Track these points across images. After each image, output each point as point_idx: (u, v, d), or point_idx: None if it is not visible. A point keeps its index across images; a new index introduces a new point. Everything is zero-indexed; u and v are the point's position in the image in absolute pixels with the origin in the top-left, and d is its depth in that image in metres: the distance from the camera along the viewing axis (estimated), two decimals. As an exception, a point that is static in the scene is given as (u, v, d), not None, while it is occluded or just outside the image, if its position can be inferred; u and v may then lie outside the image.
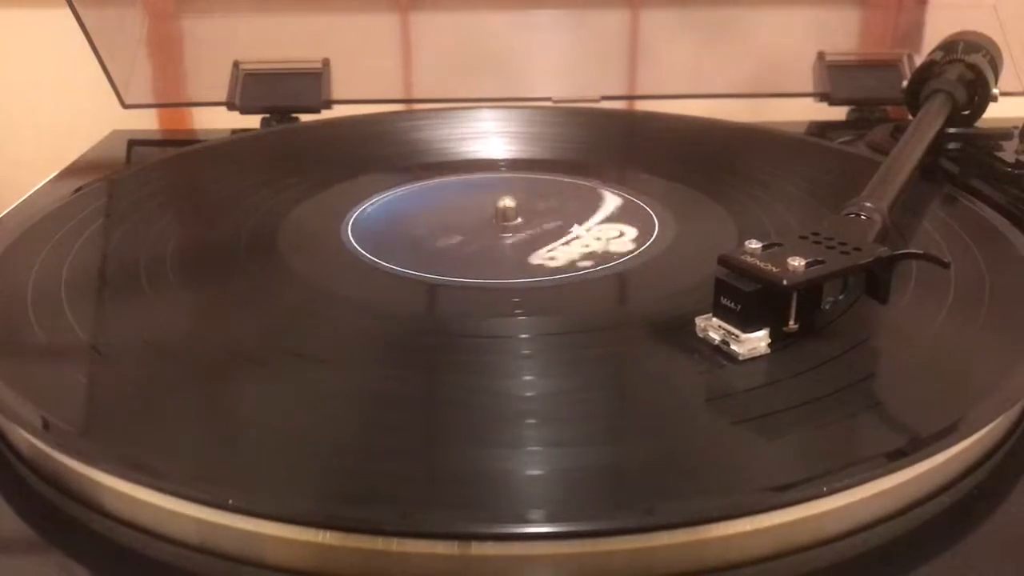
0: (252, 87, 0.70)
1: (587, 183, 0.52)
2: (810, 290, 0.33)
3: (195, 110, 0.80)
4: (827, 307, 0.35)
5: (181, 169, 0.57)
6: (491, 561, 0.25)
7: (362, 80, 0.72)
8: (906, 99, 0.60)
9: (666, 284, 0.40)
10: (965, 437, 0.28)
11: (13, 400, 0.30)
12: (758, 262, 0.33)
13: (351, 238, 0.44)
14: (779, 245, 0.34)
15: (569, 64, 0.74)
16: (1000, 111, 0.59)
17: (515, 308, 0.38)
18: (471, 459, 0.28)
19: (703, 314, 0.34)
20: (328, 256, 0.43)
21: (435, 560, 0.25)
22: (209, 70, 0.72)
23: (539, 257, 0.42)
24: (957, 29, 0.61)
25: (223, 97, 0.69)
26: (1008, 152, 0.55)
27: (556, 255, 0.42)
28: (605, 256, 0.42)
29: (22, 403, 0.30)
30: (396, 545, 0.25)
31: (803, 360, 0.32)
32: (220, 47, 0.71)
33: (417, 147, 0.59)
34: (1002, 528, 0.28)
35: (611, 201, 0.49)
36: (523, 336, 0.35)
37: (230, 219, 0.47)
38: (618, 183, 0.52)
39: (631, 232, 0.42)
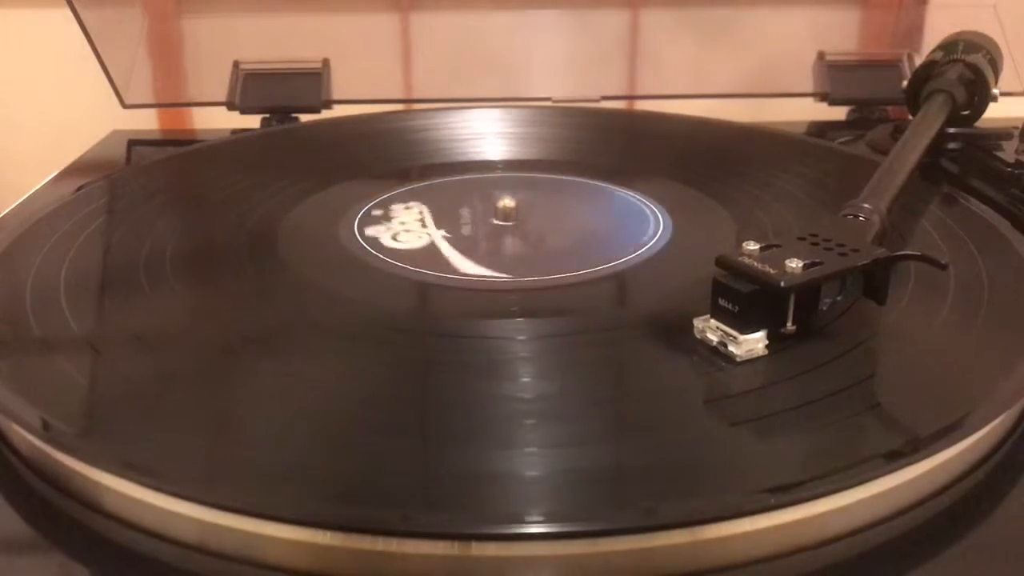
0: (252, 87, 0.70)
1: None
2: (808, 291, 0.33)
3: (195, 110, 0.79)
4: (825, 308, 0.35)
5: (181, 169, 0.57)
6: (491, 561, 0.25)
7: (362, 80, 0.72)
8: (906, 99, 0.60)
9: (665, 284, 0.40)
10: (965, 437, 0.28)
11: (13, 400, 0.30)
12: (755, 263, 0.33)
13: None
14: (777, 246, 0.34)
15: (569, 64, 0.74)
16: (1000, 111, 0.59)
17: (515, 308, 0.38)
18: (471, 459, 0.28)
19: (702, 315, 0.34)
20: (328, 256, 0.43)
21: (435, 560, 0.25)
22: (209, 70, 0.72)
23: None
24: (957, 29, 0.61)
25: (223, 97, 0.69)
26: (1008, 152, 0.55)
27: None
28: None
29: (22, 403, 0.30)
30: (396, 545, 0.25)
31: (801, 361, 0.32)
32: (220, 47, 0.71)
33: (417, 147, 0.59)
34: (1002, 528, 0.28)
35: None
36: (522, 336, 0.35)
37: (230, 219, 0.47)
38: (618, 183, 0.52)
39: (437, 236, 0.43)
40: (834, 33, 0.74)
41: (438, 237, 0.44)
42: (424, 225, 0.45)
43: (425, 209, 0.47)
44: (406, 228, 0.45)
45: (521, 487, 0.27)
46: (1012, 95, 0.64)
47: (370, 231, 0.45)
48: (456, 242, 0.44)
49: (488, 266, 0.41)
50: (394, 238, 0.44)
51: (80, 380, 0.32)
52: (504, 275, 0.41)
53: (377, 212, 0.47)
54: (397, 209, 0.47)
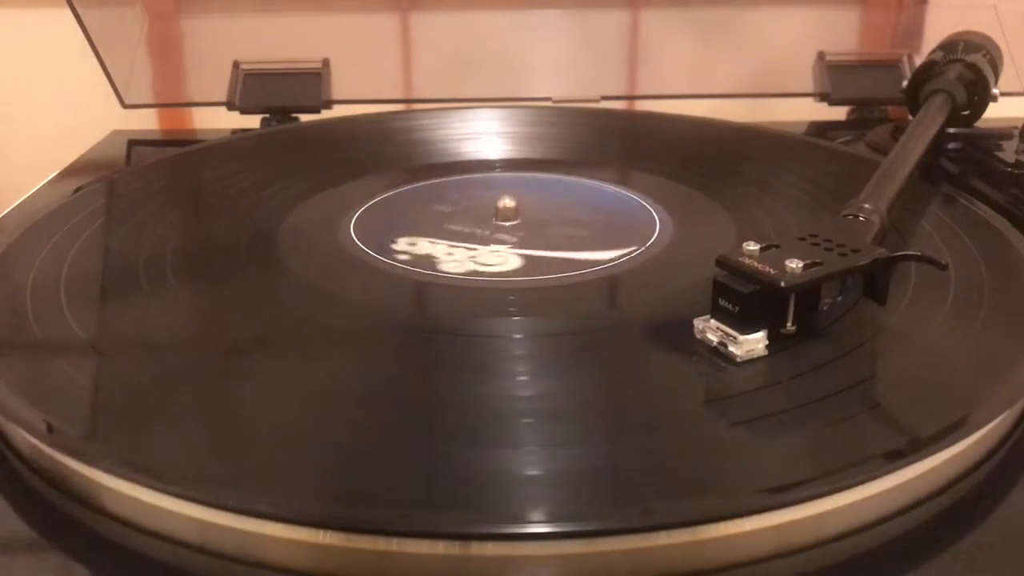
0: (252, 87, 0.70)
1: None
2: (808, 292, 0.33)
3: (195, 110, 0.80)
4: (825, 308, 0.35)
5: (181, 169, 0.57)
6: (491, 561, 0.25)
7: (362, 80, 0.72)
8: (906, 99, 0.60)
9: (665, 285, 0.40)
10: (965, 437, 0.28)
11: (13, 400, 0.30)
12: (756, 263, 0.33)
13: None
14: (777, 247, 0.34)
15: (569, 64, 0.74)
16: (1000, 111, 0.59)
17: (515, 308, 0.38)
18: (471, 459, 0.28)
19: (702, 315, 0.34)
20: (328, 256, 0.43)
21: (435, 560, 0.25)
22: (209, 70, 0.72)
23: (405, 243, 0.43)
24: (957, 29, 0.61)
25: (223, 97, 0.69)
26: (1008, 152, 0.55)
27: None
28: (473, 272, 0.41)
29: (22, 403, 0.30)
30: (396, 545, 0.25)
31: (801, 362, 0.32)
32: (220, 47, 0.71)
33: (417, 147, 0.59)
34: (1002, 528, 0.28)
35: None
36: (522, 336, 0.35)
37: (230, 219, 0.47)
38: (618, 183, 0.52)
39: (514, 263, 0.42)
40: (834, 33, 0.74)
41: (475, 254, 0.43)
42: (450, 252, 0.43)
43: (426, 241, 0.44)
44: (440, 256, 0.42)
45: (521, 487, 0.27)
46: (1012, 95, 0.64)
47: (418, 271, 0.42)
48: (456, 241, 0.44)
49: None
50: (475, 259, 0.42)
51: (81, 381, 0.32)
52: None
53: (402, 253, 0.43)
54: (402, 243, 0.44)
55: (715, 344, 0.33)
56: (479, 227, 0.46)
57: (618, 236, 0.45)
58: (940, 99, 0.55)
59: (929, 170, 0.54)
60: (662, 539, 0.25)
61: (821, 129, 0.68)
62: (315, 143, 0.62)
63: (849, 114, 0.72)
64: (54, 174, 0.59)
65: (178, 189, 0.54)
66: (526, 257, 0.42)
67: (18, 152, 0.82)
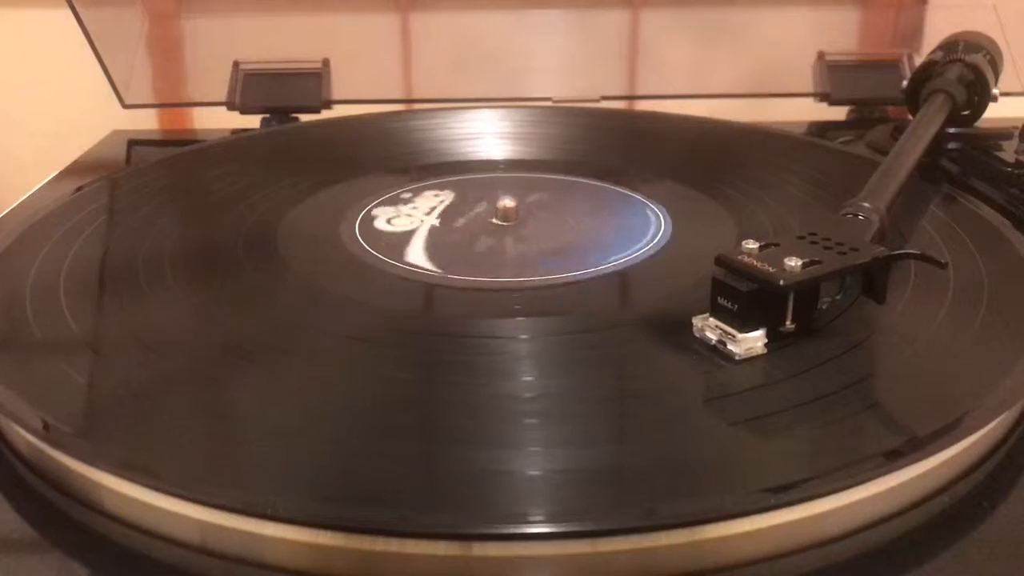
0: (252, 87, 0.70)
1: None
2: (807, 290, 0.33)
3: (195, 110, 0.80)
4: (824, 307, 0.35)
5: (181, 169, 0.57)
6: (491, 561, 0.25)
7: (362, 80, 0.72)
8: (906, 99, 0.60)
9: (665, 284, 0.40)
10: (964, 437, 0.28)
11: (13, 400, 0.30)
12: (755, 262, 0.33)
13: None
14: (776, 245, 0.34)
15: (569, 64, 0.74)
16: (1000, 111, 0.59)
17: (515, 308, 0.38)
18: (471, 459, 0.28)
19: (701, 314, 0.34)
20: (328, 256, 0.43)
21: (435, 560, 0.25)
22: (209, 70, 0.72)
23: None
24: (957, 29, 0.61)
25: (223, 97, 0.69)
26: (1008, 152, 0.55)
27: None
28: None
29: (22, 403, 0.30)
30: (396, 545, 0.25)
31: (800, 360, 0.32)
32: (220, 47, 0.71)
33: (417, 147, 0.59)
34: (1002, 528, 0.28)
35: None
36: (523, 336, 0.35)
37: (229, 219, 0.47)
38: (618, 183, 0.52)
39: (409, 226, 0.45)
40: (834, 33, 0.74)
41: (426, 226, 0.44)
42: (429, 213, 0.46)
43: (449, 198, 0.48)
44: (408, 214, 0.46)
45: (521, 487, 0.27)
46: (1012, 95, 0.64)
47: (377, 211, 0.45)
48: (434, 234, 0.44)
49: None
50: (389, 221, 0.44)
51: (80, 380, 0.32)
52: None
53: (407, 195, 0.49)
54: (427, 196, 0.49)
55: (714, 342, 0.33)
56: (465, 219, 0.47)
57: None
58: (940, 99, 0.55)
59: (929, 170, 0.54)
60: (663, 539, 0.25)
61: (821, 129, 0.68)
62: (315, 143, 0.62)
63: (849, 114, 0.72)
64: (54, 174, 0.59)
65: (178, 189, 0.54)
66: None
67: (18, 152, 0.82)
